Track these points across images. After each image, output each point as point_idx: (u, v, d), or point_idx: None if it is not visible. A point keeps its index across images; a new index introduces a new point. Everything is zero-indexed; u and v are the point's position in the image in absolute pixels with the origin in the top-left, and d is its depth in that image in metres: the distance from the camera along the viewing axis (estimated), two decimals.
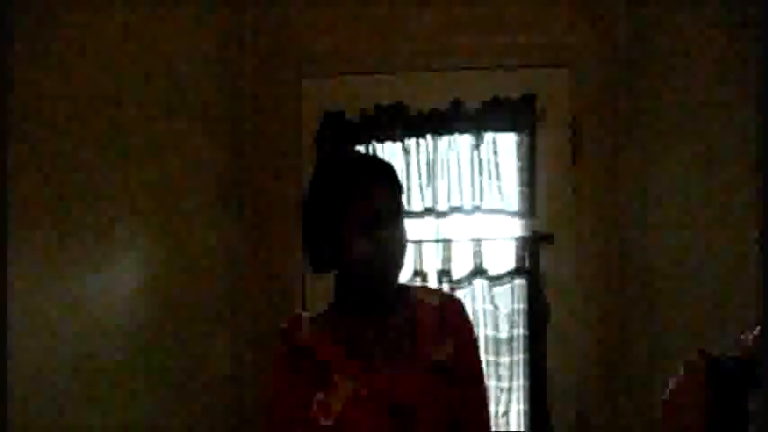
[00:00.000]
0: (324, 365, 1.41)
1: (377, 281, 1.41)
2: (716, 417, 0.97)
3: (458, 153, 2.72)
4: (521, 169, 2.70)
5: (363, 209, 1.38)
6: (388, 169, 1.44)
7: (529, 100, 2.69)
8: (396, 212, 1.42)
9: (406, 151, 2.74)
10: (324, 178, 1.45)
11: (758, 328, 0.97)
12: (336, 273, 1.47)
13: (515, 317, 2.70)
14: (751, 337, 0.98)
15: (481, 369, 1.50)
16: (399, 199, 1.44)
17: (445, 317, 1.47)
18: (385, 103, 2.73)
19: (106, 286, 1.87)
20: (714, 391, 0.98)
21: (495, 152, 2.71)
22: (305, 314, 1.49)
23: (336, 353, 1.42)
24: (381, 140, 2.74)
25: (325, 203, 1.41)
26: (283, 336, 1.46)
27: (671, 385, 1.04)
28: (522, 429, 2.68)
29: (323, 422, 1.37)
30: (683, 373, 1.02)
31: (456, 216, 2.72)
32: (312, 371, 1.41)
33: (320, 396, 1.39)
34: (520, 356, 2.69)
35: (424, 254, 2.73)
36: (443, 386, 1.41)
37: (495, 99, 2.70)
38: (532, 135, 2.70)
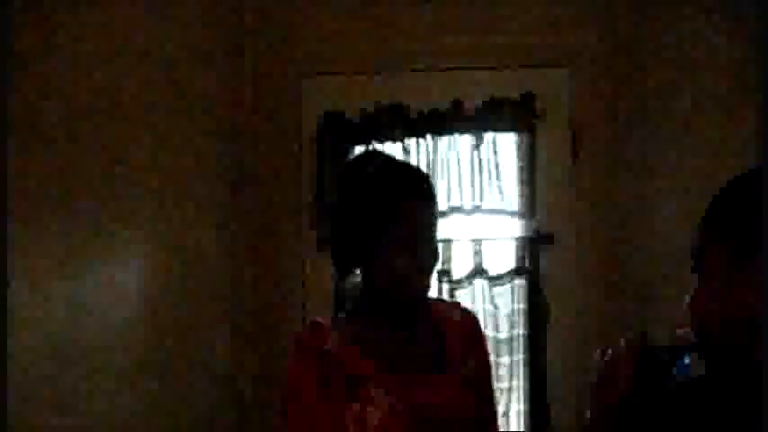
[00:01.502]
0: (354, 379, 1.37)
1: (408, 295, 1.39)
2: (637, 391, 1.09)
3: (458, 153, 2.72)
4: (521, 169, 2.70)
5: (405, 229, 1.35)
6: (427, 183, 1.42)
7: (529, 100, 2.69)
8: (433, 227, 1.40)
9: (406, 151, 2.74)
10: (363, 188, 1.39)
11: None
12: (364, 278, 1.43)
13: (515, 317, 2.70)
14: (684, 330, 1.08)
15: (494, 384, 1.53)
16: (437, 212, 1.43)
17: (467, 334, 1.47)
18: (385, 103, 2.73)
19: (106, 286, 1.87)
20: (642, 370, 1.10)
21: (495, 152, 2.71)
22: (325, 322, 1.44)
23: (367, 367, 1.38)
24: (381, 140, 2.74)
25: (364, 216, 1.37)
26: (306, 345, 1.41)
27: (605, 357, 1.14)
28: (522, 429, 2.68)
29: None
30: (620, 349, 1.13)
31: (456, 216, 2.72)
32: (341, 383, 1.36)
33: (355, 409, 1.34)
34: (520, 356, 2.69)
35: None
36: (474, 400, 1.41)
37: (495, 99, 2.70)
38: (532, 135, 2.70)
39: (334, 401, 1.35)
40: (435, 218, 1.42)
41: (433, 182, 1.45)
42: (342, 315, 1.49)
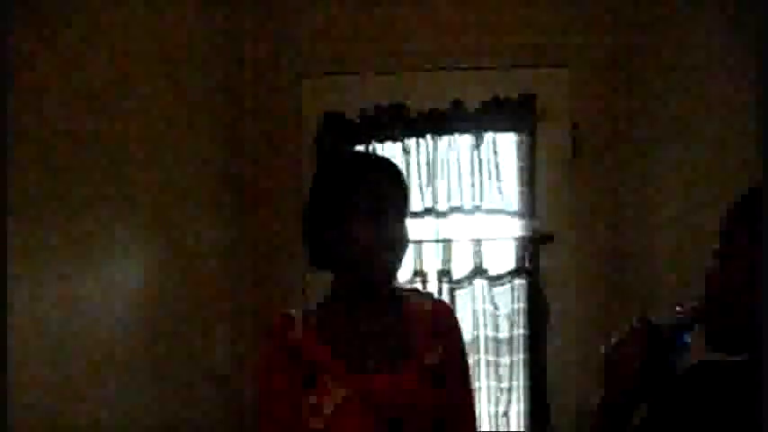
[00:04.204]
0: (311, 365, 1.40)
1: (376, 270, 1.40)
2: (648, 370, 1.18)
3: (458, 153, 2.73)
4: (521, 169, 2.71)
5: (367, 195, 1.39)
6: (394, 166, 1.46)
7: (529, 100, 2.69)
8: (399, 208, 1.43)
9: (406, 151, 2.74)
10: (328, 171, 1.47)
11: (694, 302, 1.18)
12: (335, 267, 1.45)
13: (515, 317, 2.70)
14: (688, 307, 1.18)
15: (468, 372, 1.51)
16: (404, 198, 1.45)
17: (436, 321, 1.47)
18: (385, 103, 2.74)
19: (106, 286, 1.87)
20: (650, 349, 1.18)
21: (495, 152, 2.72)
22: (295, 313, 1.47)
23: (325, 356, 1.41)
24: (381, 140, 2.74)
25: (330, 193, 1.42)
26: (273, 334, 1.45)
27: (613, 341, 1.22)
28: (522, 429, 2.69)
29: (313, 424, 1.37)
30: (627, 332, 1.21)
31: (456, 216, 2.73)
32: (300, 371, 1.40)
33: (312, 399, 1.38)
34: (520, 356, 2.70)
35: (424, 254, 2.73)
36: (433, 390, 1.41)
37: (495, 99, 2.70)
38: (532, 135, 2.70)
39: (293, 390, 1.39)
40: (402, 202, 1.44)
41: (405, 175, 1.50)
42: (313, 305, 1.50)
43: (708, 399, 1.13)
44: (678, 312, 1.20)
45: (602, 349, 1.23)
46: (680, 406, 1.17)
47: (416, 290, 1.58)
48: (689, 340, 1.19)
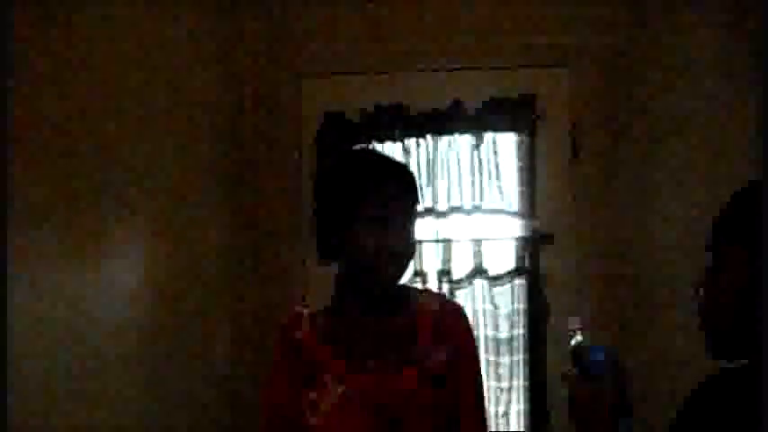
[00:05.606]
0: (312, 364, 1.42)
1: (377, 279, 1.40)
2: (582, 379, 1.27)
3: (458, 153, 2.72)
4: (521, 169, 2.70)
5: (374, 203, 1.37)
6: (407, 174, 1.45)
7: (529, 100, 2.69)
8: (407, 215, 1.42)
9: (406, 151, 2.74)
10: (337, 172, 1.46)
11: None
12: (339, 265, 1.46)
13: (515, 317, 2.70)
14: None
15: (478, 375, 1.49)
16: (414, 205, 1.44)
17: (442, 323, 1.45)
18: (385, 103, 2.73)
19: (106, 286, 1.87)
20: (580, 369, 1.29)
21: (495, 152, 2.71)
22: (305, 311, 1.49)
23: (324, 355, 1.42)
24: (381, 140, 2.74)
25: (337, 196, 1.41)
26: (280, 332, 1.47)
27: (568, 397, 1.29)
28: (522, 429, 2.68)
29: (311, 421, 1.38)
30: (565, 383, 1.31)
31: (456, 216, 2.72)
32: (303, 369, 1.42)
33: (312, 395, 1.40)
34: (520, 356, 2.69)
35: (424, 254, 2.73)
36: (434, 391, 1.40)
37: (495, 99, 2.70)
38: (532, 135, 2.70)
39: (293, 387, 1.41)
40: (411, 209, 1.43)
41: (416, 178, 1.48)
42: (321, 305, 1.51)
43: (735, 406, 1.09)
44: (572, 330, 1.35)
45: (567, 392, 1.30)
46: (708, 414, 1.13)
47: (427, 290, 1.57)
48: (602, 358, 1.29)
